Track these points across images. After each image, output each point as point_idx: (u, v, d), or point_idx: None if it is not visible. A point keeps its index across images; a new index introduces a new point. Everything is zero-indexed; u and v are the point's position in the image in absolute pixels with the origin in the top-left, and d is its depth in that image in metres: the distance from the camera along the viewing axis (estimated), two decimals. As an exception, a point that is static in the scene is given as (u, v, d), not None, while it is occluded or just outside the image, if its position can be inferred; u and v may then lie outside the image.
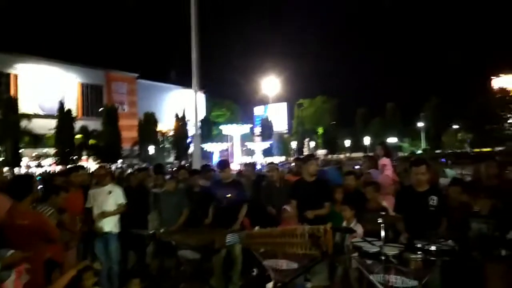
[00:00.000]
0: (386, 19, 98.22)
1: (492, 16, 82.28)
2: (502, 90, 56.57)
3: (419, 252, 3.98)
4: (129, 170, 15.36)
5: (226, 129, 41.03)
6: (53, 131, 41.89)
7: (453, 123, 58.79)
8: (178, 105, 58.86)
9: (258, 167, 18.87)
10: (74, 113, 44.81)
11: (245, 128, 41.31)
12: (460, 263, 4.07)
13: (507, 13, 71.01)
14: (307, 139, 65.17)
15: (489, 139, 49.89)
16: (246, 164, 9.16)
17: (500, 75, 60.56)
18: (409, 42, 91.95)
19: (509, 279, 3.93)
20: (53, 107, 45.11)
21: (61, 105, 42.52)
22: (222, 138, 44.53)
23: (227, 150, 43.22)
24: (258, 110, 73.86)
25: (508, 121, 54.21)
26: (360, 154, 45.36)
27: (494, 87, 60.07)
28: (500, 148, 42.69)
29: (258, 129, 63.62)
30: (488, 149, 42.54)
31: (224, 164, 6.52)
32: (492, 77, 61.66)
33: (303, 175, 5.88)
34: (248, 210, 6.18)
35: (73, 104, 51.24)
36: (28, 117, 39.95)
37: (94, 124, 47.23)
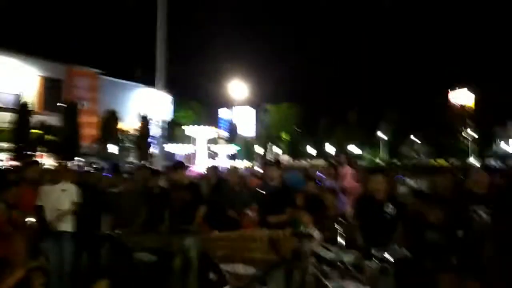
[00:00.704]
0: (349, 29, 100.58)
1: (449, 29, 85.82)
2: (460, 107, 59.05)
3: (374, 260, 4.05)
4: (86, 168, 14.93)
5: (190, 130, 40.56)
6: (8, 125, 40.24)
7: (411, 134, 60.76)
8: (142, 104, 57.88)
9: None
10: (32, 107, 43.20)
11: (211, 132, 41.02)
12: (413, 271, 4.18)
13: (464, 26, 74.25)
14: (269, 144, 65.61)
15: (444, 151, 51.92)
16: (208, 168, 9.10)
17: (456, 88, 63.11)
18: (372, 51, 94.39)
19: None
20: (11, 100, 43.38)
21: (18, 98, 40.96)
22: (186, 139, 44.07)
23: (193, 152, 42.87)
24: (223, 113, 73.60)
25: (463, 134, 56.66)
26: (322, 162, 46.08)
27: (451, 100, 62.59)
28: (453, 159, 44.34)
29: (222, 131, 63.45)
30: (443, 161, 44.16)
31: (177, 166, 6.45)
32: (448, 90, 64.16)
33: (266, 179, 5.88)
34: (207, 213, 6.12)
35: (32, 97, 49.37)
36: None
37: (54, 120, 45.70)
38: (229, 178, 6.84)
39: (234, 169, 7.09)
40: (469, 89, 61.23)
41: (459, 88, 62.50)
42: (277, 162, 6.58)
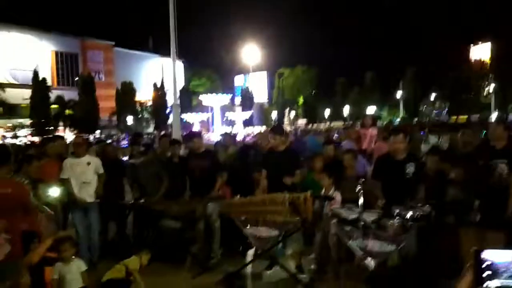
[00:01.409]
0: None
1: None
2: (479, 62, 57.37)
3: (396, 218, 4.07)
4: (108, 141, 15.15)
5: (205, 99, 40.61)
6: (27, 101, 40.84)
7: (431, 92, 59.52)
8: (156, 74, 57.90)
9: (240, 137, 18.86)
10: (48, 83, 43.63)
11: (225, 99, 41.01)
12: (435, 228, 4.20)
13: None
14: (287, 109, 65.21)
15: (466, 108, 50.85)
16: (222, 134, 9.14)
17: (478, 42, 61.21)
18: (387, 10, 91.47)
19: (482, 243, 4.07)
20: (27, 77, 43.82)
21: (36, 74, 41.31)
22: (202, 108, 44.14)
23: (207, 120, 43.00)
24: (238, 80, 73.10)
25: (485, 90, 55.24)
26: (339, 123, 45.74)
27: (472, 56, 60.85)
28: (476, 116, 43.52)
29: (238, 99, 63.21)
30: (465, 117, 43.38)
31: (194, 135, 6.51)
32: (469, 46, 62.29)
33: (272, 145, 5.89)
34: (229, 179, 6.21)
35: (47, 73, 49.79)
36: (1, 86, 38.72)
37: (70, 94, 46.19)
38: (260, 142, 6.88)
39: (264, 134, 7.09)
40: (491, 44, 59.32)
41: (481, 43, 60.60)
42: (281, 129, 6.50)
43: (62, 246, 4.13)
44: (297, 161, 5.74)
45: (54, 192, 5.25)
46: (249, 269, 5.19)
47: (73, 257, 4.21)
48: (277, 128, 6.46)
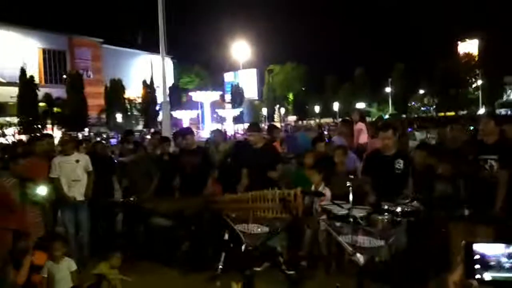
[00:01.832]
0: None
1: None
2: (467, 55, 57.93)
3: (385, 214, 4.09)
4: (97, 139, 15.05)
5: (195, 95, 40.51)
6: (15, 99, 40.30)
7: (419, 88, 60.00)
8: (146, 71, 57.47)
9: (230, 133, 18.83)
10: (36, 80, 43.09)
11: (215, 95, 40.93)
12: (424, 223, 4.23)
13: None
14: (277, 106, 65.24)
15: (454, 103, 51.35)
16: (213, 131, 9.11)
17: (466, 39, 61.82)
18: (377, 7, 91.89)
19: (471, 237, 4.11)
20: (14, 74, 43.22)
21: (23, 71, 40.78)
22: (191, 105, 43.96)
23: (197, 117, 42.87)
24: (228, 77, 72.88)
25: (473, 85, 55.82)
26: (329, 120, 45.93)
27: (460, 52, 61.42)
28: (463, 112, 44.02)
29: (228, 96, 63.04)
30: (452, 113, 43.81)
31: (185, 132, 6.49)
32: (457, 43, 62.89)
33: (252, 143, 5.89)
34: (220, 176, 6.19)
35: (34, 71, 49.15)
36: (-13, 84, 38.17)
37: (58, 92, 45.66)
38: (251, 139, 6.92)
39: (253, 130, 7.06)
40: (478, 40, 59.94)
41: (469, 39, 61.21)
42: (257, 126, 6.54)
43: (53, 245, 4.08)
44: (276, 155, 5.76)
45: (42, 191, 5.19)
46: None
47: (64, 256, 4.16)
48: (252, 126, 6.52)
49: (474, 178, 4.48)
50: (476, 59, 57.59)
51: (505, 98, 57.39)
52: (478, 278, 0.69)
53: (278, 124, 35.28)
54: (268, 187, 4.62)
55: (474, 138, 5.46)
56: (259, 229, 4.73)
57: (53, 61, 57.35)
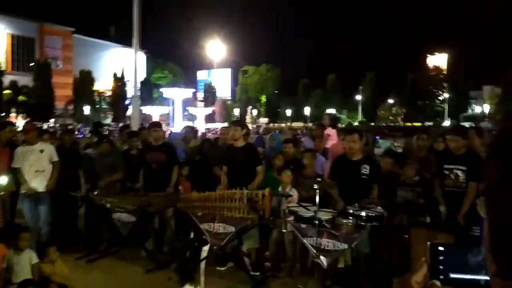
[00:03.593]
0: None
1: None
2: (436, 68, 59.73)
3: (350, 218, 4.16)
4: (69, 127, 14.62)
5: (167, 92, 40.02)
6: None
7: (389, 98, 61.37)
8: (117, 64, 56.38)
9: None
10: (2, 67, 41.61)
11: (187, 92, 40.55)
12: (387, 227, 4.32)
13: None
14: (250, 107, 65.30)
15: (420, 114, 52.80)
16: (185, 127, 9.00)
17: (435, 53, 63.69)
18: (351, 16, 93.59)
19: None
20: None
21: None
22: (163, 101, 43.44)
23: (168, 114, 42.36)
24: (201, 75, 72.35)
25: (440, 98, 57.58)
26: (300, 124, 46.37)
27: (429, 65, 63.23)
28: (429, 123, 45.30)
29: (201, 94, 62.58)
30: (419, 124, 45.02)
31: (153, 126, 6.40)
32: (427, 55, 64.70)
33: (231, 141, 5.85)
34: (190, 173, 6.13)
35: (1, 57, 47.47)
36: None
37: (25, 80, 44.23)
38: (223, 136, 6.93)
39: (227, 128, 7.04)
40: (447, 54, 61.90)
41: (438, 53, 63.09)
42: (240, 123, 6.55)
43: (19, 235, 4.00)
44: (257, 156, 5.75)
45: (2, 180, 5.01)
46: (202, 265, 5.13)
47: (27, 248, 4.07)
48: (238, 121, 6.50)
49: (440, 186, 4.60)
50: (445, 72, 59.47)
51: (470, 111, 59.46)
52: (442, 279, 0.70)
53: (249, 126, 35.30)
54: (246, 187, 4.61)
55: (436, 148, 5.67)
56: (225, 229, 4.72)
57: (21, 48, 55.42)
